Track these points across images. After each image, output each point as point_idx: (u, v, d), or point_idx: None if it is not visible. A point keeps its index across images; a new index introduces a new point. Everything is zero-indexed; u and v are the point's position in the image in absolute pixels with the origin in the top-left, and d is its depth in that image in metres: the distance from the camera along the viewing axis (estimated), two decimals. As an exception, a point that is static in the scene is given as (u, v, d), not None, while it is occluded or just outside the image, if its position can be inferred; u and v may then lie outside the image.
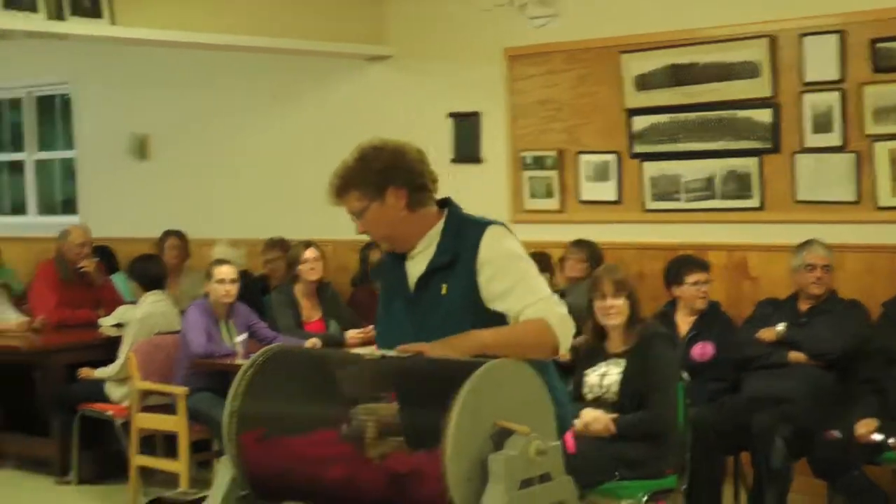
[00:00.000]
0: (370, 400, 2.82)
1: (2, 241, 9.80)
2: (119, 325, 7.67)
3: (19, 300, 8.65)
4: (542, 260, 6.99)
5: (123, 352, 7.02)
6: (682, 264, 6.37)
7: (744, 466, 6.04)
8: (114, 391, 7.10)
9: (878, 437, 5.37)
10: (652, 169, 7.21)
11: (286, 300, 7.38)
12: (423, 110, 8.16)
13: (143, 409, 6.81)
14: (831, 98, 6.51)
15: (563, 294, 6.75)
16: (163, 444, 7.15)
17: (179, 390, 6.63)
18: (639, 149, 7.25)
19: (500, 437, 2.74)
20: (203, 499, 3.14)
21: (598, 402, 5.27)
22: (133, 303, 7.59)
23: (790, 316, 6.09)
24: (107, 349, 7.29)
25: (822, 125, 6.55)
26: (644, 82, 7.17)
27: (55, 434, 7.30)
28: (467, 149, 8.02)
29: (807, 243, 6.16)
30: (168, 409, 6.73)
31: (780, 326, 6.02)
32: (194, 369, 6.71)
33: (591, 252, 7.07)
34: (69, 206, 10.88)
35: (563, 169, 7.60)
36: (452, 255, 3.35)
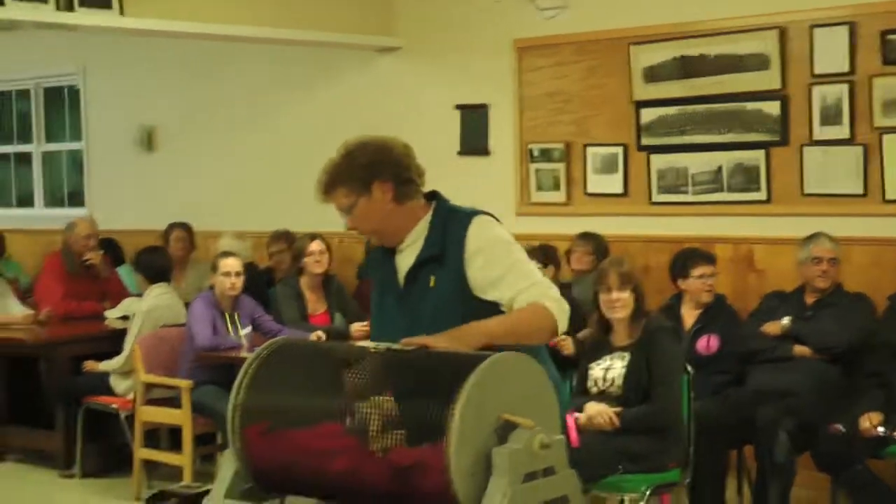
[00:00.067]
0: (375, 393, 2.82)
1: (9, 233, 9.80)
2: (124, 318, 7.68)
3: (25, 294, 8.66)
4: (549, 252, 7.00)
5: (128, 344, 7.03)
6: (688, 257, 6.35)
7: (747, 460, 6.03)
8: (118, 384, 7.10)
9: (882, 430, 5.36)
10: (659, 161, 7.19)
11: (291, 293, 7.37)
12: (431, 102, 8.15)
13: (147, 402, 6.81)
14: (840, 90, 6.49)
15: (569, 286, 6.75)
16: (167, 437, 7.17)
17: (184, 383, 6.63)
18: (646, 141, 7.23)
19: (504, 431, 2.74)
20: (207, 492, 3.13)
21: (602, 396, 5.27)
22: (138, 295, 7.58)
23: (796, 309, 6.08)
24: (112, 342, 7.30)
25: (830, 118, 6.53)
26: (653, 74, 7.15)
27: (60, 426, 7.31)
28: (475, 141, 8.01)
29: (813, 236, 6.15)
30: (172, 402, 6.73)
31: (786, 320, 6.00)
32: (199, 362, 6.71)
33: (597, 245, 7.06)
34: (76, 198, 10.88)
35: (570, 161, 7.58)
36: (440, 247, 3.38)
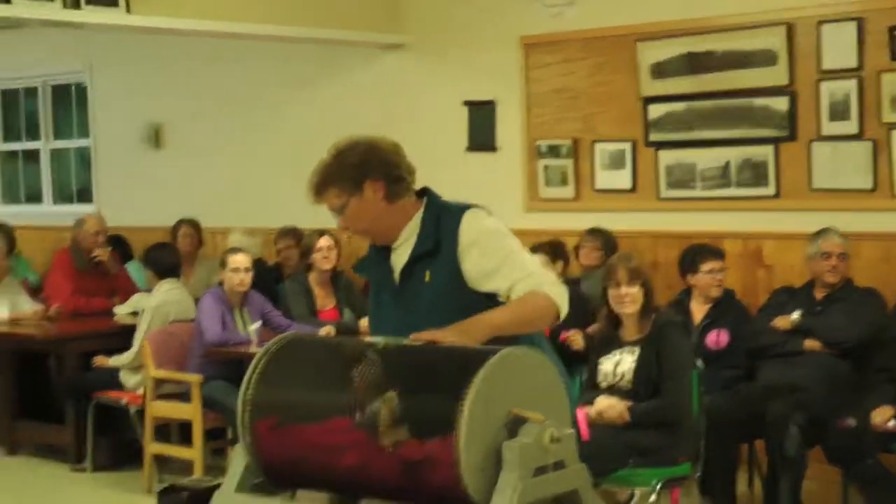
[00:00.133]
0: (384, 388, 2.82)
1: (18, 229, 9.81)
2: (134, 314, 7.69)
3: (35, 291, 8.67)
4: (557, 248, 7.01)
5: (138, 340, 7.04)
6: (696, 252, 6.35)
7: (758, 454, 6.03)
8: (128, 379, 7.11)
9: (893, 424, 5.36)
10: (667, 157, 7.18)
11: (300, 288, 7.38)
12: (439, 98, 8.14)
13: (157, 397, 6.82)
14: (848, 86, 6.48)
15: (577, 282, 6.75)
16: (177, 431, 7.18)
17: (194, 378, 6.64)
18: (654, 137, 7.23)
19: (515, 425, 2.74)
20: (217, 486, 3.14)
21: (612, 390, 5.26)
22: (148, 291, 7.59)
23: (805, 304, 6.07)
24: (122, 337, 7.30)
25: (838, 113, 6.52)
26: (660, 70, 7.14)
27: (70, 421, 7.32)
28: (482, 137, 8.00)
29: (822, 231, 6.14)
30: (183, 397, 6.74)
31: (795, 315, 6.00)
32: (209, 357, 6.72)
33: (605, 240, 7.06)
34: (84, 195, 10.90)
35: (579, 157, 7.58)
36: (434, 243, 3.39)
